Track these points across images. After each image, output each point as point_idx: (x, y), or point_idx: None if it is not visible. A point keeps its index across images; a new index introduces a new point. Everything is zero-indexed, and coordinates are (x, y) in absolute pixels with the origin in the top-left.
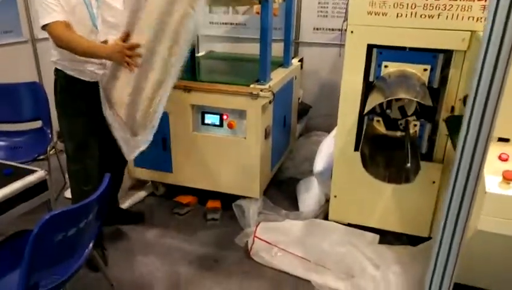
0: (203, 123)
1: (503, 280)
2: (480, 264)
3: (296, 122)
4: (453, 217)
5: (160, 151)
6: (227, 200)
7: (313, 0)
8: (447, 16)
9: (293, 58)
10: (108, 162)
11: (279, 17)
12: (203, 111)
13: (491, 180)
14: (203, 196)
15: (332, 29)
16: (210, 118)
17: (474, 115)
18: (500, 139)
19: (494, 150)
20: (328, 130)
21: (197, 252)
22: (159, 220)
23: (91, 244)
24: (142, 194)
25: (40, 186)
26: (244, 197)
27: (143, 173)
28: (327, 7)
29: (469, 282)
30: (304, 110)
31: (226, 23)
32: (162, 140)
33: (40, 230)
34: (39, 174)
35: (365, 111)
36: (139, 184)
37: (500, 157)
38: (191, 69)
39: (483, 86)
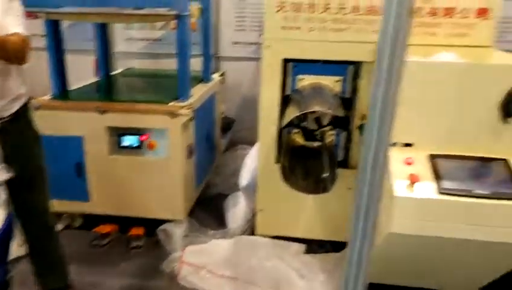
0: (120, 146)
1: (415, 275)
2: (394, 263)
3: (220, 137)
4: (361, 221)
5: (74, 179)
6: (152, 226)
7: (231, 14)
8: (355, 30)
9: (213, 73)
10: None
11: (197, 31)
12: (120, 133)
13: (399, 184)
14: (126, 223)
15: (251, 43)
16: (128, 140)
17: (374, 122)
18: (405, 145)
19: (400, 155)
20: (253, 143)
21: (121, 284)
22: (77, 256)
23: None
24: (57, 228)
25: None
26: (169, 221)
27: (56, 204)
28: (245, 21)
29: (384, 280)
30: (227, 124)
31: (143, 39)
32: (75, 166)
33: None
34: None
35: (283, 125)
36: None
37: (405, 162)
38: (106, 88)
39: (381, 94)
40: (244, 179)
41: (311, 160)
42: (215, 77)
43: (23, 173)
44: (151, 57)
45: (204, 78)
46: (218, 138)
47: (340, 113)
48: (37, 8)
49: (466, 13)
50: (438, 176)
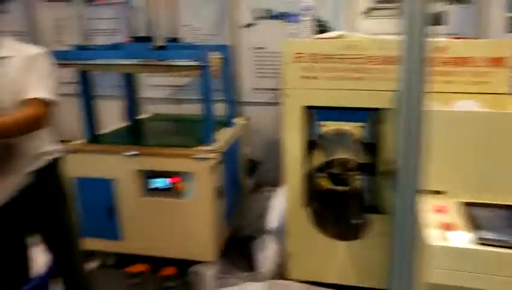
0: (150, 188)
1: None
2: None
3: (246, 179)
4: (400, 273)
5: (105, 219)
6: (184, 266)
7: (251, 62)
8: (372, 78)
9: (237, 116)
10: None
11: (220, 78)
12: (149, 176)
13: (433, 233)
14: (158, 263)
15: (271, 89)
16: (157, 183)
17: (403, 171)
18: (437, 193)
19: (432, 203)
20: (278, 185)
21: None
22: None
23: None
24: (91, 266)
25: None
26: (200, 262)
27: (91, 244)
28: (264, 68)
29: None
30: (252, 166)
31: (168, 86)
32: (107, 207)
33: None
34: None
35: (309, 169)
36: (88, 254)
37: (438, 210)
38: (134, 133)
39: (405, 143)
40: (271, 222)
41: (340, 205)
42: (239, 121)
43: (50, 231)
44: (175, 103)
45: (228, 122)
46: (244, 180)
47: (365, 159)
48: (68, 61)
49: (482, 62)
50: (473, 225)
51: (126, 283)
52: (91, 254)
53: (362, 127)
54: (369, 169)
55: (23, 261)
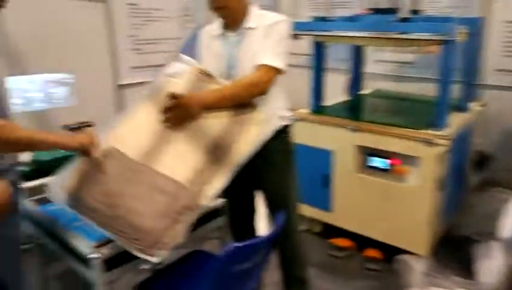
0: (368, 166)
1: None
2: None
3: (472, 174)
4: None
5: (320, 188)
6: (389, 251)
7: (499, 39)
8: None
9: (472, 101)
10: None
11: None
12: (369, 153)
13: None
14: (361, 242)
15: None
16: (376, 161)
17: None
18: None
19: None
20: None
21: None
22: (315, 260)
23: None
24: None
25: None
26: (408, 252)
27: (302, 208)
28: None
29: None
30: (482, 160)
31: (392, 62)
32: (323, 177)
33: (224, 260)
34: (217, 202)
35: None
36: None
37: None
38: (356, 108)
39: None
40: (506, 229)
41: None
42: (474, 106)
43: (273, 191)
44: (397, 80)
45: (461, 106)
46: (469, 175)
47: None
48: (307, 32)
49: None
50: None
51: (329, 253)
52: (300, 217)
53: None
54: None
55: (251, 214)
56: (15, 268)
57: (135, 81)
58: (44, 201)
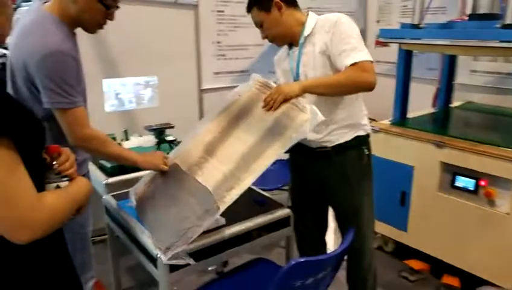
0: (452, 185)
1: None
2: None
3: None
4: None
5: (396, 206)
6: (467, 280)
7: None
8: None
9: None
10: None
11: None
12: (454, 171)
13: None
14: (437, 266)
15: None
16: (462, 181)
17: None
18: None
19: None
20: None
21: None
22: (385, 280)
23: None
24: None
25: (283, 222)
26: (492, 285)
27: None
28: None
29: None
30: None
31: (490, 72)
32: (401, 194)
33: (285, 274)
34: (286, 211)
35: None
36: None
37: None
38: (444, 121)
39: None
40: None
41: None
42: None
43: (344, 206)
44: (495, 92)
45: None
46: None
47: None
48: (395, 40)
49: None
50: None
51: (401, 274)
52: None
53: None
54: None
55: (321, 228)
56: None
57: (216, 86)
58: (123, 197)
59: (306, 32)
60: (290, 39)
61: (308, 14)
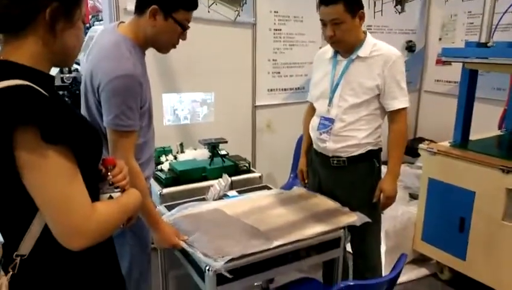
0: None
1: None
2: None
3: None
4: None
5: (455, 232)
6: None
7: None
8: None
9: None
10: None
11: None
12: None
13: None
14: None
15: None
16: None
17: None
18: None
19: None
20: None
21: None
22: None
23: None
24: (422, 272)
25: (334, 243)
26: None
27: (429, 250)
28: None
29: None
30: None
31: None
32: (460, 220)
33: None
34: (339, 233)
35: None
36: (421, 258)
37: None
38: (510, 145)
39: None
40: None
41: None
42: None
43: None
44: None
45: None
46: None
47: None
48: (457, 59)
49: None
50: None
51: None
52: (427, 259)
53: None
54: None
55: None
56: (139, 264)
57: (269, 103)
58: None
59: (362, 54)
60: (350, 49)
61: (366, 35)
